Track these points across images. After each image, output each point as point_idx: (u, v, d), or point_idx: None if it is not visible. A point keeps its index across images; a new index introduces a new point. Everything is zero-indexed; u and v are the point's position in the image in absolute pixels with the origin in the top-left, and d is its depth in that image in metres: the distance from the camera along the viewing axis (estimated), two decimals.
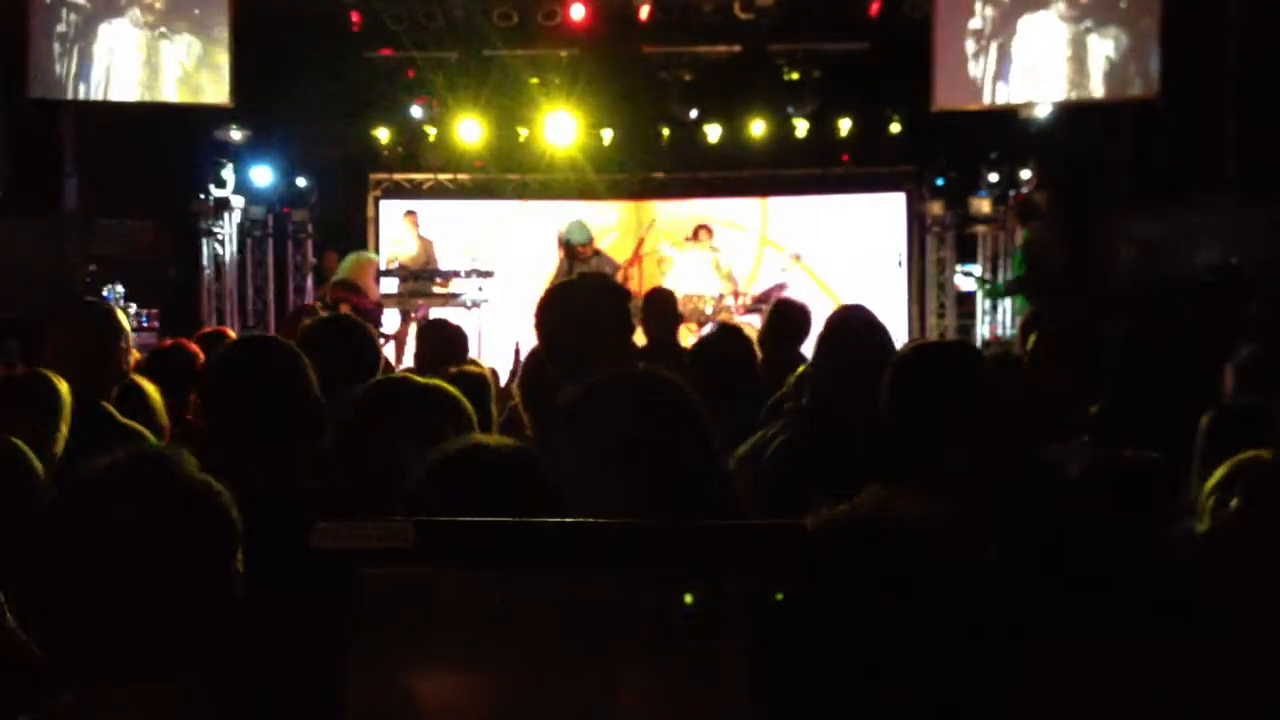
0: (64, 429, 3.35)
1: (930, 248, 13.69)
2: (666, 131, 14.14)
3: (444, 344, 5.77)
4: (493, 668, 1.40)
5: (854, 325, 3.55)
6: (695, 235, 12.63)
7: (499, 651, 1.40)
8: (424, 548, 1.40)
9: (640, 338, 7.42)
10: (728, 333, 4.45)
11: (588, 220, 12.78)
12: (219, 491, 1.69)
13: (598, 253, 11.87)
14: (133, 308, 11.35)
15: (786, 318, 5.73)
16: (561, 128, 13.48)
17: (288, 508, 1.91)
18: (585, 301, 2.96)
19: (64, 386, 3.48)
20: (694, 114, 13.90)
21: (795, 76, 13.85)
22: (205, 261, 13.05)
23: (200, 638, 1.65)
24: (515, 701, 1.40)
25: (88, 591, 1.61)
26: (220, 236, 13.16)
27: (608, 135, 14.00)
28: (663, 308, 6.45)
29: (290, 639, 1.56)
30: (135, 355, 4.59)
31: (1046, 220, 11.41)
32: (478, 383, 3.90)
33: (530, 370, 3.04)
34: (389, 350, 12.72)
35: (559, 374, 2.79)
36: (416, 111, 13.94)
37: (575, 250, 11.63)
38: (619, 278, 11.75)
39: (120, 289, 11.69)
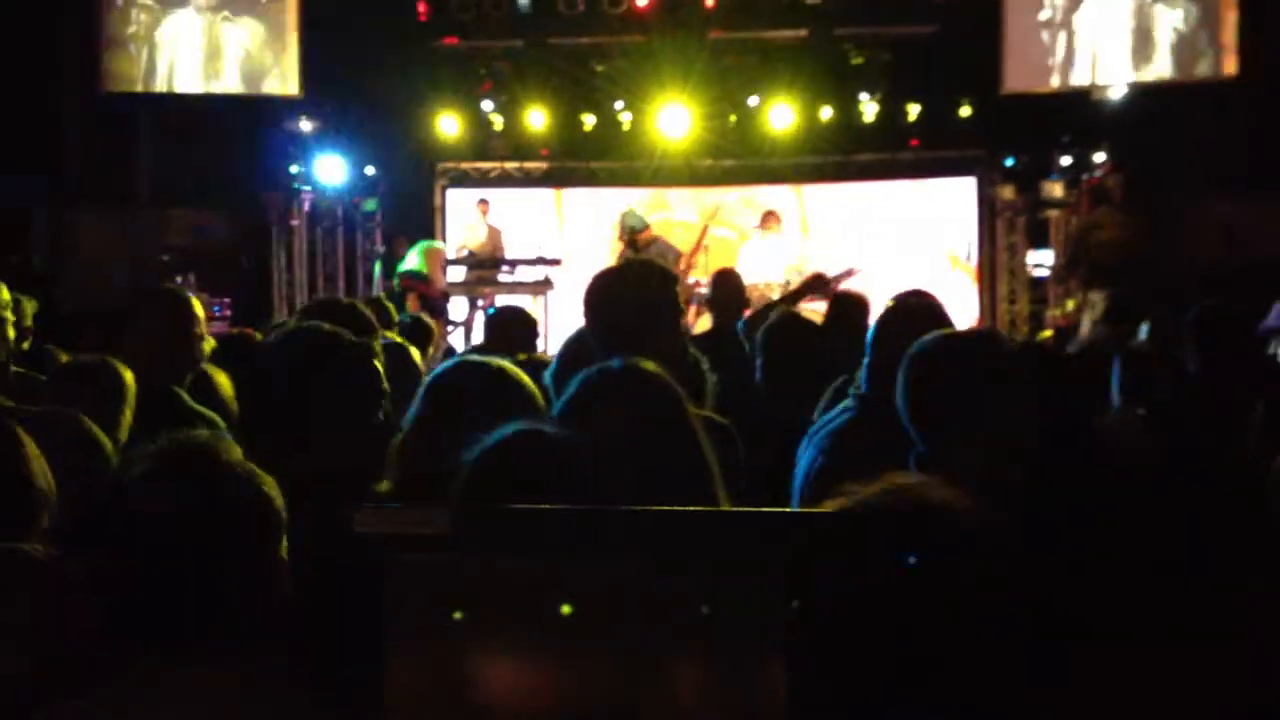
0: (128, 414, 3.39)
1: (1001, 233, 13.50)
2: (733, 118, 14.06)
3: (514, 331, 5.76)
4: (527, 653, 1.39)
5: (913, 311, 3.49)
6: (764, 223, 12.53)
7: (533, 637, 1.38)
8: (460, 534, 1.39)
9: (706, 322, 7.40)
10: (788, 322, 4.40)
11: (641, 206, 12.69)
12: (262, 479, 1.70)
13: (656, 239, 11.78)
14: (204, 297, 11.52)
15: (845, 308, 5.71)
16: (675, 119, 13.44)
17: (330, 494, 1.92)
18: (634, 286, 2.92)
19: (128, 373, 3.53)
20: (760, 100, 13.80)
21: (863, 61, 13.72)
22: (275, 251, 13.20)
23: (246, 623, 1.66)
24: (550, 687, 1.39)
25: (134, 577, 1.62)
26: (291, 226, 13.31)
27: (674, 121, 13.94)
28: (729, 291, 6.40)
29: (331, 624, 1.56)
30: (210, 343, 4.63)
31: (1114, 206, 11.19)
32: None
33: (568, 355, 3.01)
34: (457, 337, 12.79)
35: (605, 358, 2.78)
36: (483, 101, 13.99)
37: (634, 237, 11.57)
38: (681, 265, 11.70)
39: (192, 278, 11.86)
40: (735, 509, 1.49)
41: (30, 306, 6.00)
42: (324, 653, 1.58)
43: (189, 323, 3.98)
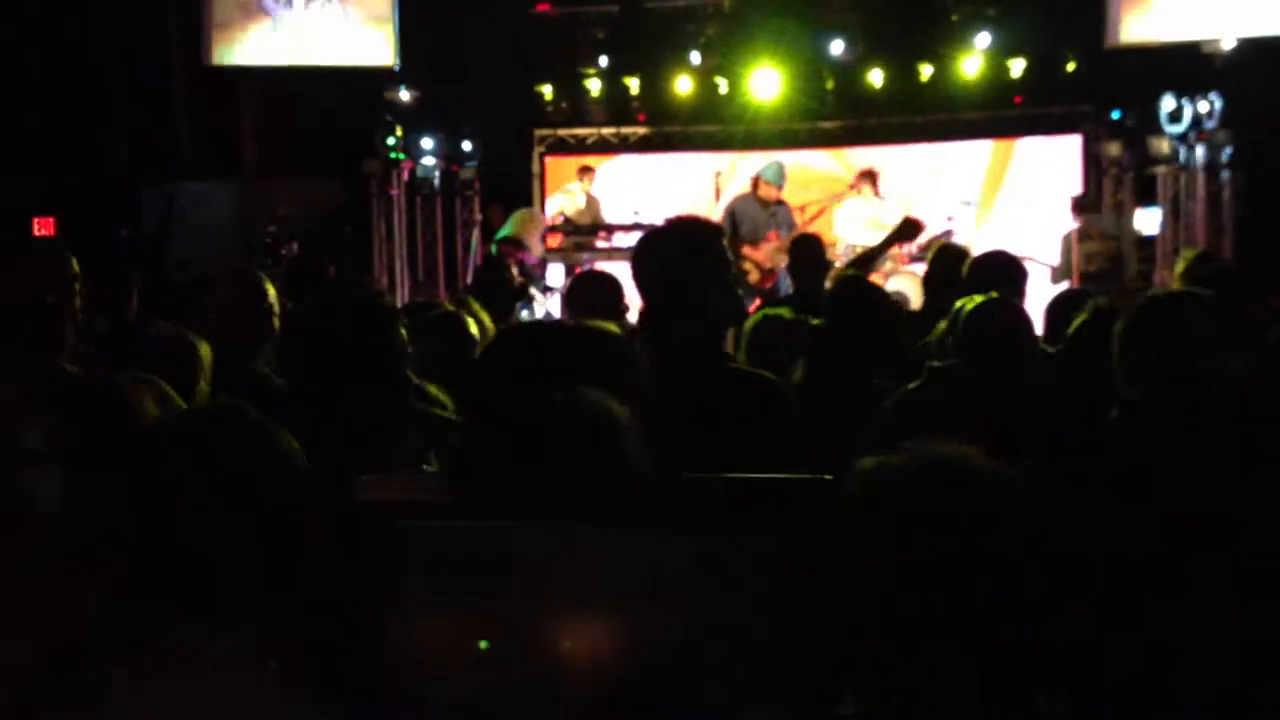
0: (203, 383, 3.50)
1: (1108, 190, 13.17)
2: (830, 79, 13.88)
3: (595, 295, 5.74)
4: (523, 616, 1.41)
5: (992, 274, 3.44)
6: (856, 184, 12.36)
7: (530, 600, 1.41)
8: (460, 500, 1.42)
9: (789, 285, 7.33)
10: (847, 285, 4.35)
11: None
12: (284, 439, 1.74)
13: (781, 202, 11.60)
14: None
15: (943, 264, 5.62)
16: (769, 81, 13.35)
17: (347, 457, 1.96)
18: (674, 242, 2.85)
19: (205, 346, 3.66)
20: (857, 60, 13.61)
21: (963, 16, 13.45)
22: (375, 220, 13.40)
23: (270, 580, 1.70)
24: (546, 647, 1.41)
25: (161, 534, 1.68)
26: (391, 195, 13.50)
27: (769, 84, 13.81)
28: (810, 255, 6.35)
29: (335, 586, 1.60)
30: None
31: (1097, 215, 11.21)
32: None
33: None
34: (555, 303, 12.88)
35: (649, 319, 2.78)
36: (579, 67, 14.00)
37: (758, 188, 11.32)
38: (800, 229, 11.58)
39: (296, 248, 12.10)
40: (731, 476, 1.49)
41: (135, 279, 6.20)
42: (327, 613, 1.62)
43: (261, 298, 4.28)
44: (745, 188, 11.73)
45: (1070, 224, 11.63)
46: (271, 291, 4.35)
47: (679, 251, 2.80)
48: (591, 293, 5.62)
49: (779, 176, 11.36)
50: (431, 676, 1.45)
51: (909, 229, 7.61)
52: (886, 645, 1.35)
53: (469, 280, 11.78)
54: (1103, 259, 11.22)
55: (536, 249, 12.73)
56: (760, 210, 11.18)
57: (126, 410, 2.21)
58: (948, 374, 3.36)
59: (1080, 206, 11.75)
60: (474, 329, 4.34)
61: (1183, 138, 12.15)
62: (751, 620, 1.39)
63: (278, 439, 1.72)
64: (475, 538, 1.43)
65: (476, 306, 5.29)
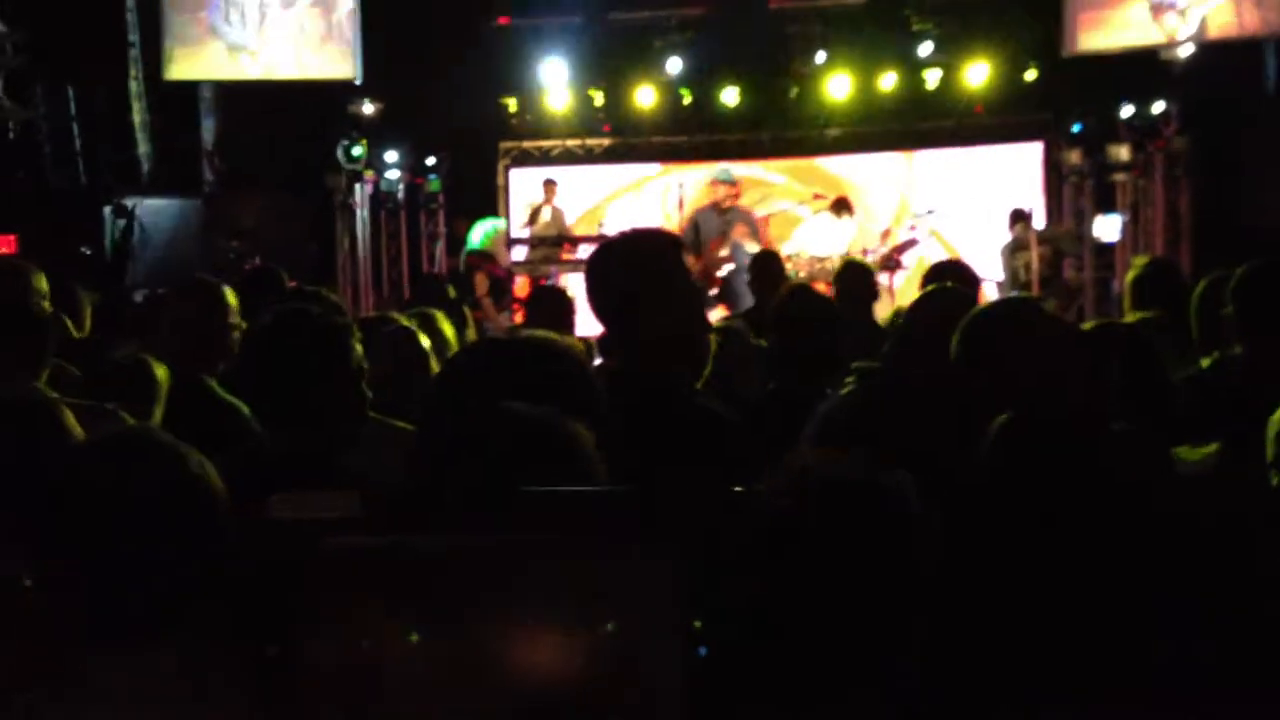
0: (159, 410, 3.47)
1: (1068, 198, 13.28)
2: (794, 89, 13.95)
3: (548, 310, 5.75)
4: (440, 631, 1.41)
5: (949, 293, 3.40)
6: (835, 208, 12.29)
7: (446, 615, 1.41)
8: (374, 517, 1.42)
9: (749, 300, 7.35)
10: (797, 294, 4.37)
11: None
12: (200, 463, 1.73)
13: (734, 206, 11.62)
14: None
15: (849, 279, 5.79)
16: (734, 92, 13.53)
17: (300, 473, 1.95)
18: (627, 257, 2.74)
19: (161, 370, 3.60)
20: (821, 70, 13.68)
21: (925, 27, 13.54)
22: (339, 234, 13.37)
23: (184, 604, 1.69)
24: (462, 662, 1.41)
25: (77, 560, 1.66)
26: (354, 209, 13.46)
27: (735, 94, 13.87)
28: (771, 272, 6.38)
29: (256, 604, 1.59)
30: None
31: (1029, 224, 11.39)
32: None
33: None
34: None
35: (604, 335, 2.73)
36: (544, 79, 14.00)
37: (718, 194, 11.35)
38: (759, 235, 11.64)
39: (259, 263, 12.03)
40: (626, 488, 1.50)
41: (88, 300, 6.11)
42: (255, 634, 1.61)
43: (220, 314, 3.99)
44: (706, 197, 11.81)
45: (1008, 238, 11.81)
46: (233, 304, 4.07)
47: (625, 272, 2.68)
48: (544, 307, 5.64)
49: (726, 173, 11.44)
50: (356, 696, 1.45)
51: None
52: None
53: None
54: (1044, 265, 11.31)
55: (505, 260, 12.74)
56: (717, 217, 11.16)
57: (58, 437, 2.19)
58: (869, 375, 3.30)
59: (1015, 218, 11.83)
60: (426, 343, 4.29)
61: (1140, 145, 12.27)
62: (674, 628, 1.39)
63: (188, 463, 1.71)
64: (403, 554, 1.43)
65: (441, 319, 5.27)
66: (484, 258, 12.90)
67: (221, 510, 1.68)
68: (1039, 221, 13.30)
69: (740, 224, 11.41)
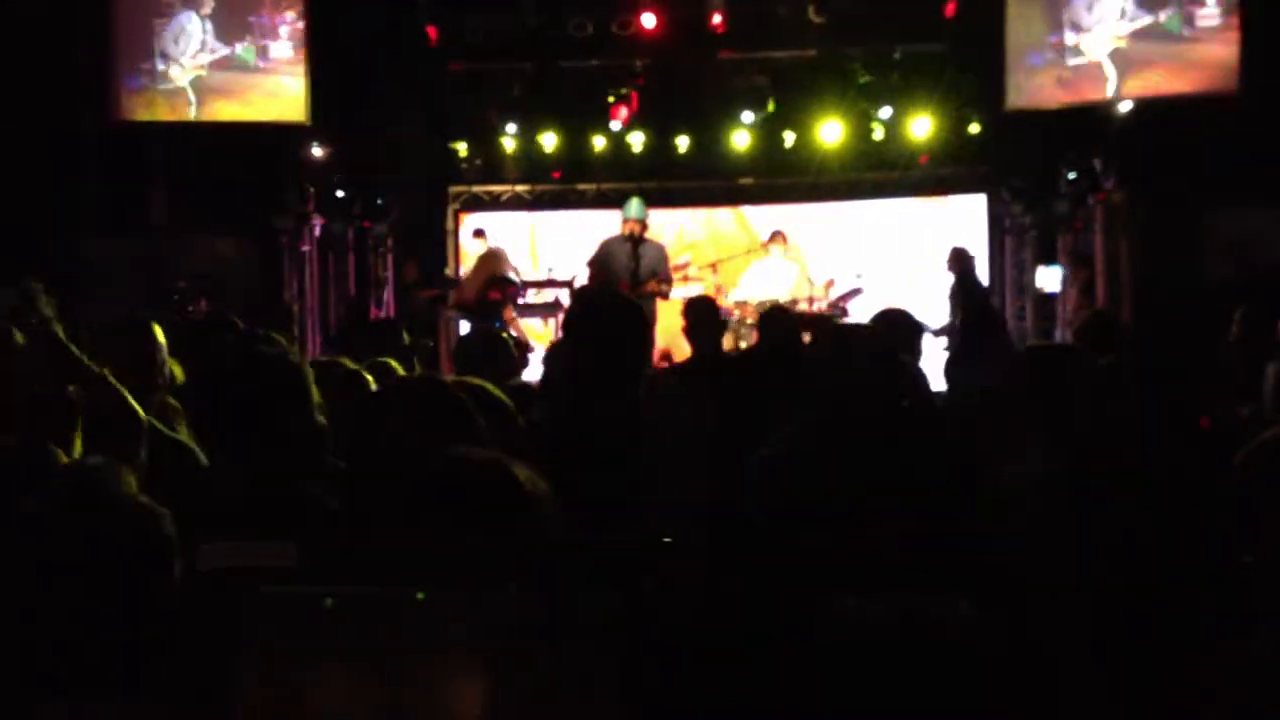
0: (78, 442, 3.46)
1: (1010, 249, 13.49)
2: (742, 137, 14.11)
3: (482, 352, 5.71)
4: (374, 681, 1.44)
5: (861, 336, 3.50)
6: (771, 242, 12.44)
7: (381, 665, 1.43)
8: (309, 566, 1.44)
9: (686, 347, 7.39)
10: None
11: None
12: (153, 511, 1.74)
13: (644, 239, 11.20)
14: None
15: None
16: (683, 140, 13.66)
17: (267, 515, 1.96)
18: (604, 317, 2.93)
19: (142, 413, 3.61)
20: (768, 120, 13.85)
21: (871, 79, 13.75)
22: (287, 277, 13.32)
23: (137, 655, 1.70)
24: (397, 713, 1.44)
25: (28, 610, 1.67)
26: (303, 251, 13.43)
27: (683, 143, 14.02)
28: (705, 317, 6.41)
29: (196, 655, 1.61)
30: (177, 369, 4.72)
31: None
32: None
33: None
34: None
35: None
36: (494, 124, 14.07)
37: (634, 229, 11.03)
38: (678, 276, 11.60)
39: (205, 305, 11.97)
40: (571, 542, 1.53)
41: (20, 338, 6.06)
42: (194, 683, 1.62)
43: (150, 349, 4.11)
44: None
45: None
46: (163, 341, 4.20)
47: (621, 328, 2.89)
48: (475, 351, 5.64)
49: (639, 209, 11.02)
50: None
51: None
52: None
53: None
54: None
55: (515, 275, 12.60)
56: (624, 249, 10.59)
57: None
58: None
59: (954, 262, 11.96)
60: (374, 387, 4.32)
61: (1081, 200, 12.50)
62: (598, 679, 1.42)
63: (144, 515, 1.72)
64: (340, 603, 1.46)
65: (394, 364, 5.28)
66: (503, 283, 12.60)
67: (173, 562, 1.68)
68: (982, 272, 13.48)
69: (654, 262, 10.94)
